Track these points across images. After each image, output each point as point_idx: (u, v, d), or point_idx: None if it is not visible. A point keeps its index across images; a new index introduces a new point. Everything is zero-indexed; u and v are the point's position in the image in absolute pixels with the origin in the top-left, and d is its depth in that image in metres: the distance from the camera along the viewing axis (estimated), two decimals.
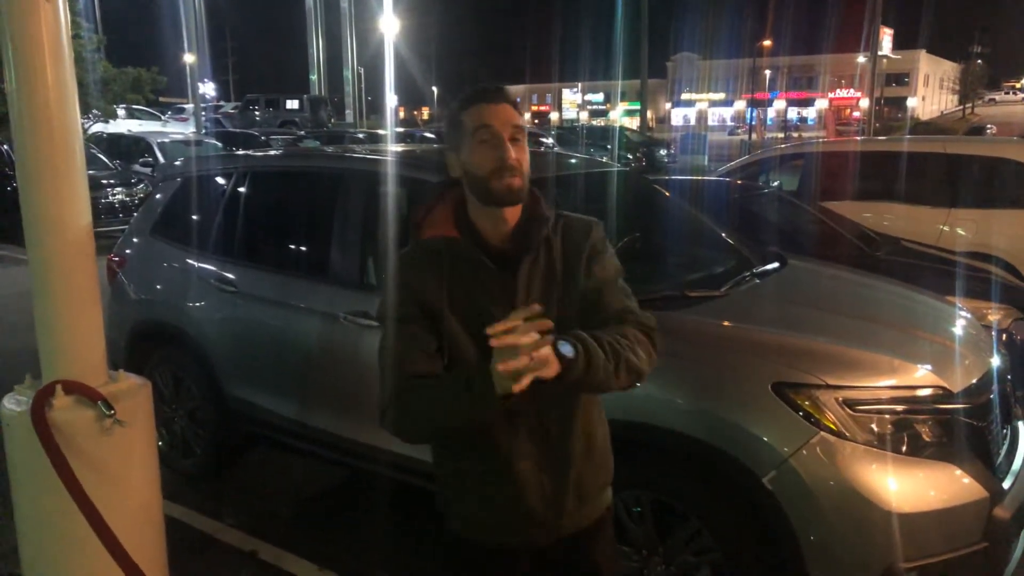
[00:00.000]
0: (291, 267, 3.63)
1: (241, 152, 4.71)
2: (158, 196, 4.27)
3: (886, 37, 64.21)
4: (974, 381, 2.62)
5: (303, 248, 3.71)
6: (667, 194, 4.25)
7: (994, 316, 4.47)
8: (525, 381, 1.40)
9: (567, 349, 1.49)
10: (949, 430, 2.44)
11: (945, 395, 2.46)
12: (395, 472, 3.19)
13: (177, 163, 4.42)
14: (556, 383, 1.47)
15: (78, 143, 2.49)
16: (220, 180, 3.97)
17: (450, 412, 1.59)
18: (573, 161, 4.77)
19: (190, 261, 3.90)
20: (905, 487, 2.30)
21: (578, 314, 1.71)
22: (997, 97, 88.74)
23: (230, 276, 3.68)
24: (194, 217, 4.01)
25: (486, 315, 1.56)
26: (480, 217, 1.70)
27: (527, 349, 1.39)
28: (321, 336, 3.29)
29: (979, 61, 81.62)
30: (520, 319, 1.41)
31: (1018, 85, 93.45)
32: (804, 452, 2.30)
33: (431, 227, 1.74)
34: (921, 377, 2.50)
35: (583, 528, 1.80)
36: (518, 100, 1.71)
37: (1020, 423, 2.98)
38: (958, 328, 3.04)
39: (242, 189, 3.85)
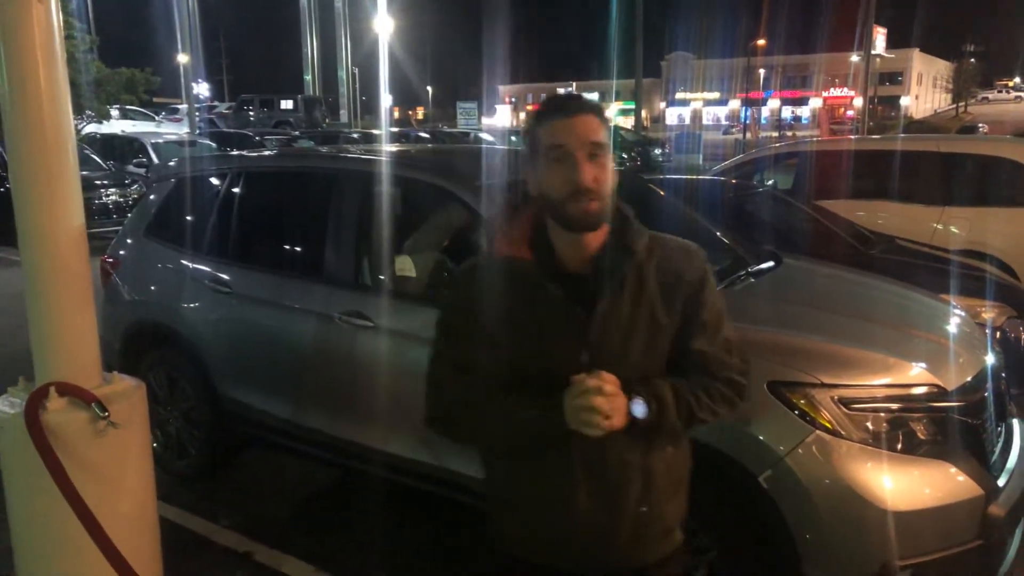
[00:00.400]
0: (286, 268, 3.63)
1: (235, 152, 4.70)
2: (152, 197, 4.26)
3: (879, 36, 64.42)
4: (968, 379, 2.62)
5: (298, 249, 3.71)
6: (662, 193, 4.26)
7: (988, 314, 4.48)
8: (597, 429, 1.43)
9: (639, 410, 1.47)
10: (944, 428, 2.44)
11: (940, 393, 2.46)
12: (390, 473, 3.19)
13: (171, 164, 4.40)
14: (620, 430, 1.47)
15: (71, 144, 2.48)
16: (214, 181, 3.96)
17: (511, 434, 1.57)
18: None
19: (184, 262, 3.88)
20: (900, 485, 2.31)
21: (664, 355, 1.59)
22: (990, 96, 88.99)
23: (224, 277, 3.67)
24: (188, 218, 3.99)
25: (554, 348, 1.53)
26: (559, 239, 1.55)
27: (602, 401, 1.42)
28: (316, 337, 3.28)
29: (972, 60, 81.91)
30: (599, 383, 1.43)
31: (1011, 84, 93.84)
32: (800, 451, 2.31)
33: (506, 244, 1.59)
34: (916, 375, 2.51)
35: (644, 564, 1.66)
36: (601, 108, 1.54)
37: (1014, 421, 2.99)
38: (952, 326, 3.04)
39: (236, 190, 3.84)
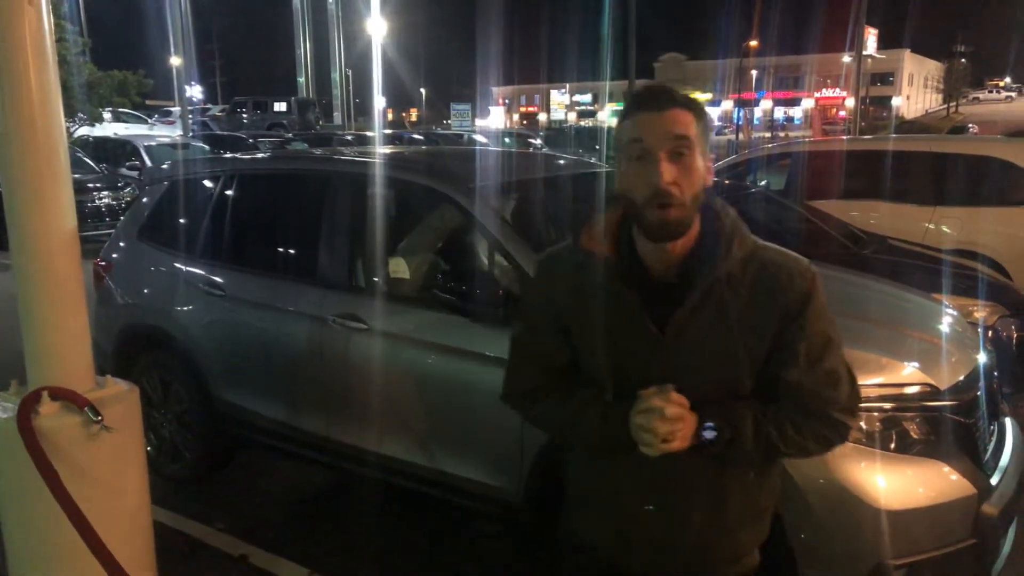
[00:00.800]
0: (279, 270, 3.62)
1: (228, 155, 4.69)
2: (145, 200, 4.24)
3: (871, 37, 64.64)
4: (961, 378, 2.63)
5: (291, 251, 3.70)
6: None
7: (980, 313, 4.50)
8: (653, 450, 1.38)
9: (709, 434, 1.40)
10: (937, 427, 2.45)
11: (932, 392, 2.47)
12: (385, 474, 3.18)
13: (164, 166, 4.39)
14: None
15: (62, 147, 2.47)
16: (207, 183, 3.95)
17: (576, 430, 1.55)
18: (562, 162, 4.78)
19: (177, 265, 3.87)
20: (894, 484, 2.32)
21: (751, 377, 1.47)
22: (981, 96, 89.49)
23: (218, 279, 3.66)
24: (181, 220, 3.98)
25: (626, 357, 1.47)
26: (643, 242, 1.46)
27: (667, 420, 1.36)
28: (310, 339, 3.27)
29: (963, 60, 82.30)
30: (663, 404, 1.36)
31: (1001, 84, 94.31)
32: None
33: (590, 237, 1.51)
34: (908, 375, 2.52)
35: None
36: (696, 102, 1.44)
37: (1007, 420, 3.00)
38: (944, 326, 3.06)
39: (229, 192, 3.83)
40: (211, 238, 3.78)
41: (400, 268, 3.30)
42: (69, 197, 2.50)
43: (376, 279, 3.23)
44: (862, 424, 2.37)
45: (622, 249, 1.49)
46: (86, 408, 2.42)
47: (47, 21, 2.41)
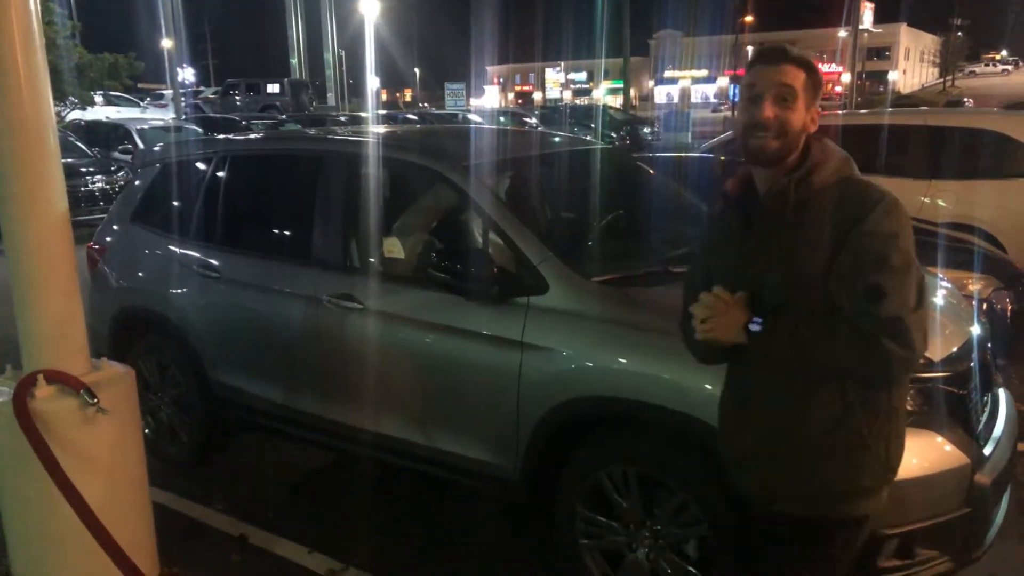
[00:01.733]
0: (273, 251, 3.61)
1: (221, 136, 4.66)
2: (138, 183, 4.22)
3: (867, 11, 64.15)
4: (955, 349, 2.64)
5: (285, 232, 3.69)
6: (651, 171, 4.25)
7: (975, 286, 4.51)
8: (702, 332, 1.74)
9: (754, 327, 1.68)
10: (930, 398, 2.46)
11: (926, 364, 2.48)
12: (382, 453, 3.20)
13: (156, 149, 4.36)
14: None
15: (51, 132, 2.46)
16: (200, 165, 3.92)
17: (692, 348, 1.91)
18: (556, 139, 4.76)
19: (171, 247, 3.86)
20: None
21: (815, 289, 1.65)
22: (977, 69, 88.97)
23: (212, 262, 3.65)
24: (175, 203, 3.96)
25: (722, 263, 1.81)
26: (756, 172, 1.78)
27: (704, 306, 1.73)
28: (305, 320, 3.27)
29: (959, 34, 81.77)
30: (719, 298, 1.71)
31: (998, 57, 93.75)
32: None
33: (730, 180, 1.84)
34: None
35: (783, 515, 1.77)
36: (807, 60, 1.71)
37: (1000, 391, 3.01)
38: (939, 298, 3.06)
39: (222, 174, 3.80)
40: (205, 220, 3.76)
41: (395, 248, 3.29)
42: (60, 181, 2.49)
43: (371, 259, 3.22)
44: None
45: (744, 185, 1.82)
46: (82, 391, 2.43)
47: (35, 4, 2.38)
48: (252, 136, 4.69)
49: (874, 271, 1.59)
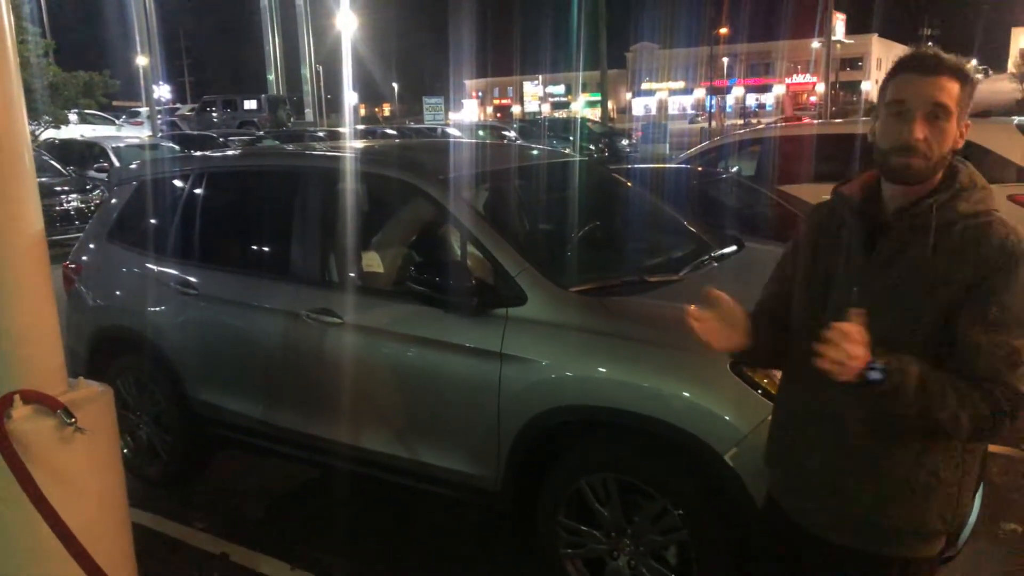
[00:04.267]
0: (251, 267, 3.61)
1: (197, 153, 4.65)
2: (113, 201, 4.20)
3: (839, 22, 65.22)
4: None
5: (264, 248, 3.69)
6: (627, 182, 4.30)
7: None
8: (822, 363, 1.43)
9: (875, 375, 1.43)
10: None
11: None
12: (363, 467, 3.19)
13: (132, 166, 4.35)
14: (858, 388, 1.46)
15: (26, 149, 2.45)
16: (176, 182, 3.91)
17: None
18: (533, 152, 4.81)
19: (148, 265, 3.84)
20: None
21: (927, 332, 1.51)
22: None
23: (190, 279, 3.64)
24: (151, 221, 3.95)
25: (829, 278, 1.64)
26: (886, 186, 1.61)
27: (836, 350, 1.41)
28: (284, 335, 3.27)
29: (930, 44, 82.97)
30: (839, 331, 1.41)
31: (968, 67, 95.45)
32: (763, 428, 2.35)
33: (848, 185, 1.70)
34: None
35: (842, 547, 1.65)
36: (964, 70, 1.54)
37: None
38: None
39: (198, 191, 3.80)
40: (182, 237, 3.74)
41: (374, 262, 3.31)
42: (35, 200, 2.47)
43: (350, 273, 3.23)
44: None
45: (866, 193, 1.65)
46: (59, 410, 2.41)
47: (8, 23, 2.38)
48: (228, 153, 4.68)
49: (1015, 333, 1.46)
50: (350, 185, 3.28)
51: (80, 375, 3.11)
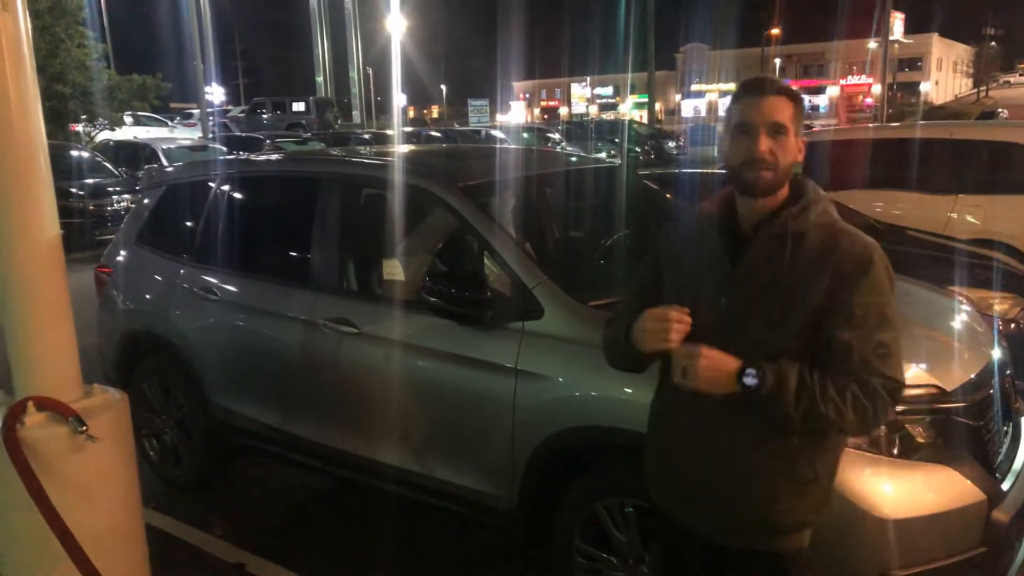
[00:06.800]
0: (272, 274, 3.57)
1: (223, 157, 4.67)
2: (144, 202, 4.23)
3: (897, 21, 63.36)
4: (972, 376, 2.51)
5: (284, 254, 3.66)
6: (660, 190, 4.17)
7: (1001, 306, 4.35)
8: (682, 380, 1.59)
9: (750, 380, 1.56)
10: (944, 430, 2.34)
11: (939, 394, 2.36)
12: (379, 481, 3.13)
13: (168, 169, 4.38)
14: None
15: (43, 154, 2.44)
16: (201, 188, 3.91)
17: (611, 351, 1.87)
18: (561, 159, 4.69)
19: (174, 269, 3.85)
20: (897, 491, 2.22)
21: (799, 336, 1.62)
22: (1012, 79, 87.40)
23: (212, 284, 3.63)
24: (177, 225, 3.96)
25: (696, 292, 1.71)
26: (740, 202, 1.74)
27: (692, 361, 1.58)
28: (301, 344, 3.23)
29: (992, 43, 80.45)
30: (674, 315, 1.60)
31: (795, 89, 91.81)
32: None
33: (707, 202, 1.82)
34: (913, 376, 2.40)
35: (734, 547, 1.75)
36: (794, 91, 1.71)
37: (1023, 419, 2.87)
38: (956, 322, 2.93)
39: (221, 196, 3.79)
40: (205, 242, 3.74)
41: (395, 271, 3.24)
42: (51, 205, 2.47)
43: (367, 283, 3.17)
44: None
45: (724, 209, 1.77)
46: (71, 418, 2.40)
47: (24, 26, 2.37)
48: (253, 158, 4.68)
49: (881, 328, 1.61)
50: (369, 192, 3.22)
51: (110, 377, 3.12)
